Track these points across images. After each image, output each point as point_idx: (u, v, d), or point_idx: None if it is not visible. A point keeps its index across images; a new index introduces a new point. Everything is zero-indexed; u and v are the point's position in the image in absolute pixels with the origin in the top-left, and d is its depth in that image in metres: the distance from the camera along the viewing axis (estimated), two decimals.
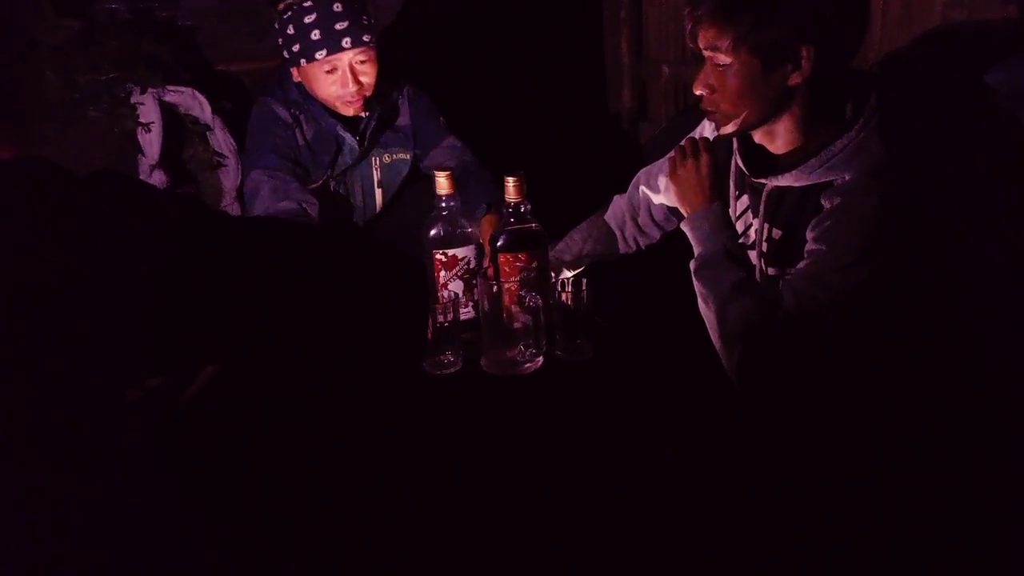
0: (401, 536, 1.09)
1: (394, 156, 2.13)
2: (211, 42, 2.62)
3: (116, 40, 2.19)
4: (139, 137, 2.22)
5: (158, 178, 2.26)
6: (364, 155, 2.09)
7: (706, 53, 1.29)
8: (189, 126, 2.34)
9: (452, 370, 1.37)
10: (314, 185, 2.07)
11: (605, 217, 1.79)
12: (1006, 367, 1.26)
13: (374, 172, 2.12)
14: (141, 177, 2.23)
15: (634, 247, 1.76)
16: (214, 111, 2.32)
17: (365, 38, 1.91)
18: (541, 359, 1.36)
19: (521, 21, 3.19)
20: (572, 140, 3.04)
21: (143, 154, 2.24)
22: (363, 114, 2.03)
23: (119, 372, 1.08)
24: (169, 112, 2.29)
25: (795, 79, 1.26)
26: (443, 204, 1.46)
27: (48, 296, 1.01)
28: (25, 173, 1.00)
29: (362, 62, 1.93)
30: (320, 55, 1.89)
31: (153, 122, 2.22)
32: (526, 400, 1.31)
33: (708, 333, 1.34)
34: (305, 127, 2.02)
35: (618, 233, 1.76)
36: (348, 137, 2.03)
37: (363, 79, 1.95)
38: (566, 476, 1.13)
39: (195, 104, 2.32)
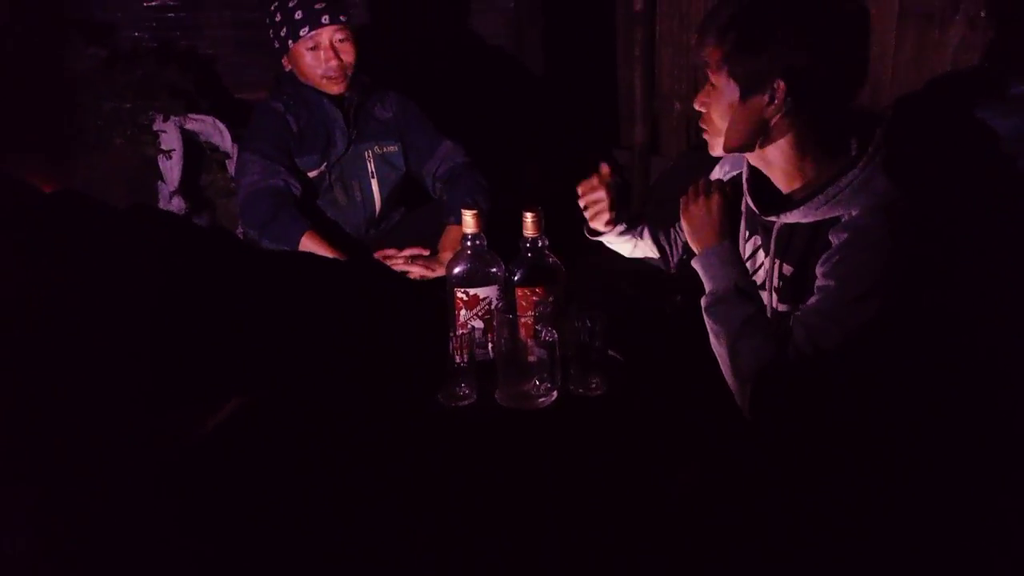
0: (415, 568, 1.09)
1: (384, 148, 2.30)
2: (230, 71, 2.68)
3: (140, 69, 2.24)
4: (160, 164, 2.26)
5: (177, 204, 2.30)
6: (354, 142, 2.24)
7: (705, 69, 1.33)
8: (208, 153, 2.38)
9: (467, 402, 1.38)
10: (312, 174, 2.20)
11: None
12: (1015, 398, 1.27)
13: (368, 163, 2.27)
14: (161, 203, 2.27)
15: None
16: (233, 139, 2.36)
17: (342, 17, 2.15)
18: (556, 393, 1.37)
19: (536, 58, 3.23)
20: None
21: (163, 181, 2.28)
22: (346, 93, 2.21)
23: (142, 403, 1.10)
24: (189, 140, 2.34)
25: (770, 112, 1.28)
26: (468, 242, 1.45)
27: (76, 328, 1.03)
28: (65, 207, 1.02)
29: (341, 40, 2.15)
30: (304, 32, 2.12)
31: (174, 149, 2.27)
32: (540, 434, 1.32)
33: (720, 368, 1.35)
34: (298, 114, 2.19)
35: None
36: (334, 110, 2.20)
37: (343, 56, 2.16)
38: (579, 510, 1.14)
39: (215, 132, 2.36)
